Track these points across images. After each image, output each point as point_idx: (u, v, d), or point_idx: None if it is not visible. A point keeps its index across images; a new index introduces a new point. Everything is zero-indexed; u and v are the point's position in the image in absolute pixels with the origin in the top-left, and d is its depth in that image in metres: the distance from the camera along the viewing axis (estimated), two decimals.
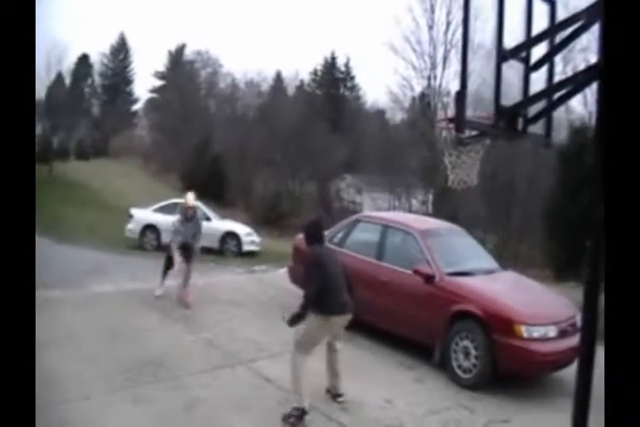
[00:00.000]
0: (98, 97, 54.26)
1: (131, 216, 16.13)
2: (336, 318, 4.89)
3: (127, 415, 4.54)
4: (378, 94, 78.01)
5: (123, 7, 72.52)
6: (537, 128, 4.13)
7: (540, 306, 6.14)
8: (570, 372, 3.66)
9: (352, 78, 48.78)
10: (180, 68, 50.16)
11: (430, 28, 26.91)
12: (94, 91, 54.26)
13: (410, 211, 21.87)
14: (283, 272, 9.13)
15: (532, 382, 5.95)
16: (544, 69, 3.91)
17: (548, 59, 3.79)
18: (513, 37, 3.76)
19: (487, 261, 7.21)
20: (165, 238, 15.45)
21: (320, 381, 5.25)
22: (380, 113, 43.75)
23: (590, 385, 3.24)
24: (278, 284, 9.39)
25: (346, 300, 5.00)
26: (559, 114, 24.68)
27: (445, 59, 26.26)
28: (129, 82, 55.00)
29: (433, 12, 26.73)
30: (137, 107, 55.54)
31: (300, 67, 74.03)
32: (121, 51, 54.27)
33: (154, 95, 52.80)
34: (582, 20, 3.30)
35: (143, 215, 15.99)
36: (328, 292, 4.82)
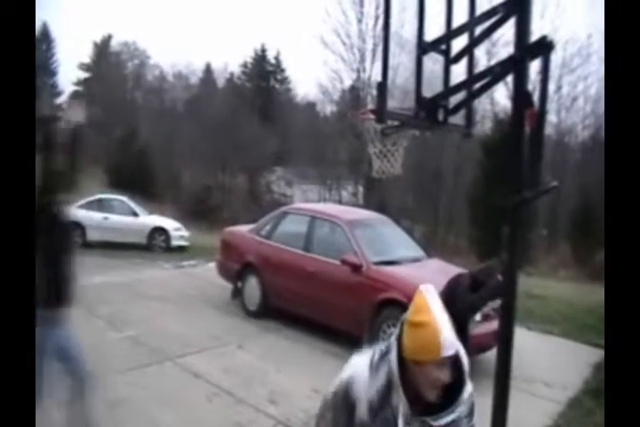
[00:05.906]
0: None
1: None
2: None
3: (49, 416, 4.36)
4: (308, 87, 77.91)
5: None
6: (459, 119, 4.22)
7: None
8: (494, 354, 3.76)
9: (282, 71, 48.46)
10: (105, 59, 48.49)
11: (359, 21, 27.25)
12: None
13: (340, 202, 22.02)
14: (211, 266, 9.03)
15: None
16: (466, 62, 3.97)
17: (467, 51, 3.85)
18: (440, 31, 3.80)
19: (413, 250, 7.35)
20: (90, 235, 15.06)
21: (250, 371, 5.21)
22: (311, 105, 43.78)
23: (509, 365, 3.35)
24: (206, 278, 9.32)
25: None
26: (484, 106, 25.57)
27: (374, 52, 26.52)
28: (52, 74, 52.64)
29: (362, 5, 27.07)
30: (61, 100, 53.32)
31: (230, 59, 73.05)
32: (43, 41, 51.75)
33: (78, 88, 50.83)
34: (500, 13, 3.36)
35: None
36: None
